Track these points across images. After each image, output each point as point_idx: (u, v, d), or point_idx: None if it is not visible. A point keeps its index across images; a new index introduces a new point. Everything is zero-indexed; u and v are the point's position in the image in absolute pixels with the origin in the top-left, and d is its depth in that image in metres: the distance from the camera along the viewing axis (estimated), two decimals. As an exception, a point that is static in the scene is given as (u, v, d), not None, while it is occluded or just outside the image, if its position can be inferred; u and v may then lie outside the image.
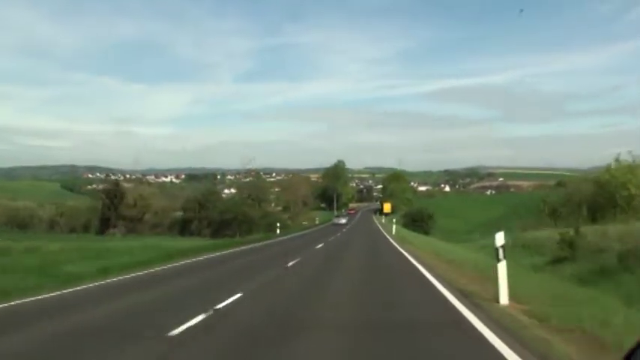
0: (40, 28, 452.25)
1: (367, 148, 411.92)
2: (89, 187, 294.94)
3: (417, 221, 66.50)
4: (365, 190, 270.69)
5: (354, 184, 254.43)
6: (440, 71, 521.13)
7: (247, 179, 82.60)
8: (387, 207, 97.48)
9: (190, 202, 74.90)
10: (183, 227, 75.67)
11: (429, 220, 67.66)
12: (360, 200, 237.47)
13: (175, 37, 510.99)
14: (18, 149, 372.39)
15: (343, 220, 74.00)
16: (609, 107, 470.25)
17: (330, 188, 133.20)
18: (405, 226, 64.48)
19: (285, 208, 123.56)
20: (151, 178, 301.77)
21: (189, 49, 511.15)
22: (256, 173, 79.30)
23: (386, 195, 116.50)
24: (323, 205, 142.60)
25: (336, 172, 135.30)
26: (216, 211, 70.98)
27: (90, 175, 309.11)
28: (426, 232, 62.26)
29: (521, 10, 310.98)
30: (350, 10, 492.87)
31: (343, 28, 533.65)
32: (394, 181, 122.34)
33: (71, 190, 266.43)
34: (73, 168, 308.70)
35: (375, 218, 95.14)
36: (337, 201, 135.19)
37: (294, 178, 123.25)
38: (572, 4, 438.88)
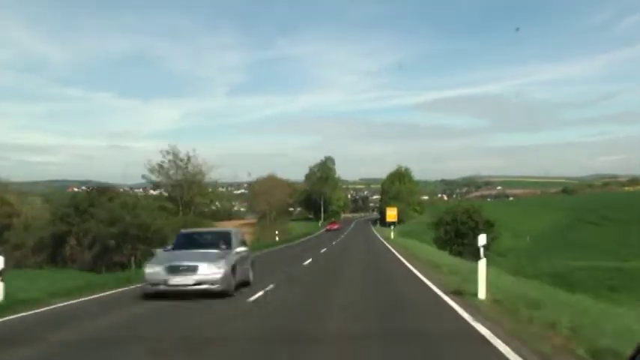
0: (33, 44, 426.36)
1: (362, 159, 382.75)
2: None
3: (463, 235, 33.17)
4: (360, 200, 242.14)
5: (349, 195, 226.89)
6: (433, 82, 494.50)
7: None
8: (391, 214, 64.44)
9: (65, 208, 41.82)
10: (55, 248, 42.58)
11: (488, 233, 34.11)
12: (355, 210, 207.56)
13: (169, 52, 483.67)
14: (12, 165, 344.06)
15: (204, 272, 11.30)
16: (604, 115, 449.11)
17: (316, 192, 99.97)
18: (439, 245, 31.46)
19: (261, 219, 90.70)
20: (139, 191, 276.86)
21: (182, 63, 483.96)
22: (175, 154, 46.36)
23: (388, 198, 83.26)
24: (311, 215, 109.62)
25: (324, 173, 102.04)
26: (102, 221, 37.82)
27: (75, 189, 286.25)
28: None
29: (517, 29, 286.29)
30: (343, 22, 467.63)
31: (336, 41, 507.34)
32: (397, 181, 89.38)
33: None
34: (66, 183, 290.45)
35: (376, 231, 61.75)
36: (325, 210, 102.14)
37: (267, 180, 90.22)
38: (565, 15, 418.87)
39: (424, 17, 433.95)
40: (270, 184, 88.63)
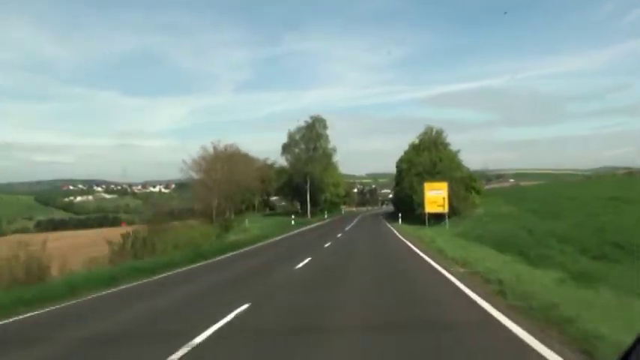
0: (38, 43, 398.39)
1: (368, 154, 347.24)
2: (65, 199, 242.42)
3: None
4: (368, 193, 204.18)
5: (356, 189, 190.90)
6: (439, 76, 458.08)
7: None
8: (435, 198, 26.86)
9: None
10: None
11: None
12: (362, 204, 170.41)
13: (175, 50, 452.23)
14: (17, 164, 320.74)
15: None
16: (613, 108, 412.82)
17: (299, 173, 61.61)
18: None
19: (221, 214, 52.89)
20: (137, 188, 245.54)
21: (188, 61, 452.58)
22: None
23: (413, 175, 44.24)
24: (300, 208, 71.49)
25: (310, 142, 62.97)
26: None
27: (72, 187, 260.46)
28: None
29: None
30: (348, 18, 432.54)
31: (342, 36, 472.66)
32: (427, 151, 50.63)
33: (46, 203, 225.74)
34: (73, 182, 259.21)
35: (418, 247, 22.27)
36: (315, 201, 64.28)
37: (219, 154, 51.34)
38: (570, 6, 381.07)
39: (429, 11, 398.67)
40: (223, 159, 50.76)
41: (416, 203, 37.04)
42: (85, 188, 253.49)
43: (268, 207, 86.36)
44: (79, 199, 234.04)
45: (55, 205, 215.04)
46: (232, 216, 72.13)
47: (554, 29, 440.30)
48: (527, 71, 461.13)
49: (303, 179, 60.73)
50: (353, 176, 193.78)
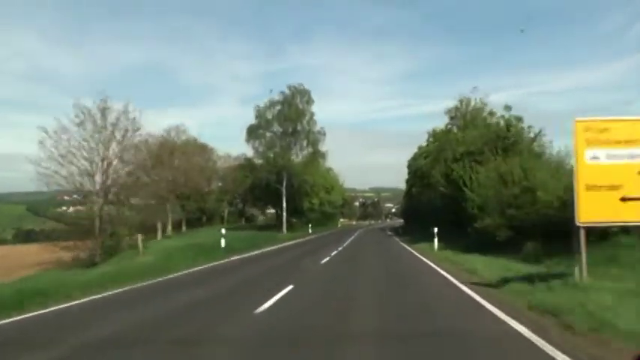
0: (45, 54, 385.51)
1: (372, 168, 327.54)
2: (58, 209, 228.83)
3: None
4: (371, 206, 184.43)
5: (357, 203, 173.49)
6: (444, 91, 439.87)
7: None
8: (613, 172, 6.65)
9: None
10: None
11: None
12: (364, 217, 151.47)
13: (181, 62, 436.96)
14: (18, 175, 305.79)
15: None
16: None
17: (271, 168, 40.29)
18: None
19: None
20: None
21: (194, 73, 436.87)
22: None
23: (454, 158, 24.19)
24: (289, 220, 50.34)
25: (289, 123, 39.88)
26: None
27: (67, 197, 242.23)
28: None
29: (522, 30, 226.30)
30: (354, 32, 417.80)
31: (347, 50, 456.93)
32: (461, 130, 30.47)
33: (37, 213, 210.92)
34: (70, 192, 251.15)
35: None
36: (296, 208, 43.63)
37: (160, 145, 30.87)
38: (575, 22, 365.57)
39: (434, 26, 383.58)
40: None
41: (472, 205, 16.88)
42: (80, 198, 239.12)
43: (245, 218, 66.09)
44: (72, 209, 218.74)
45: (46, 215, 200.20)
46: (183, 228, 51.93)
47: (560, 44, 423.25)
48: (533, 87, 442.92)
49: (277, 177, 39.97)
50: (355, 189, 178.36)
